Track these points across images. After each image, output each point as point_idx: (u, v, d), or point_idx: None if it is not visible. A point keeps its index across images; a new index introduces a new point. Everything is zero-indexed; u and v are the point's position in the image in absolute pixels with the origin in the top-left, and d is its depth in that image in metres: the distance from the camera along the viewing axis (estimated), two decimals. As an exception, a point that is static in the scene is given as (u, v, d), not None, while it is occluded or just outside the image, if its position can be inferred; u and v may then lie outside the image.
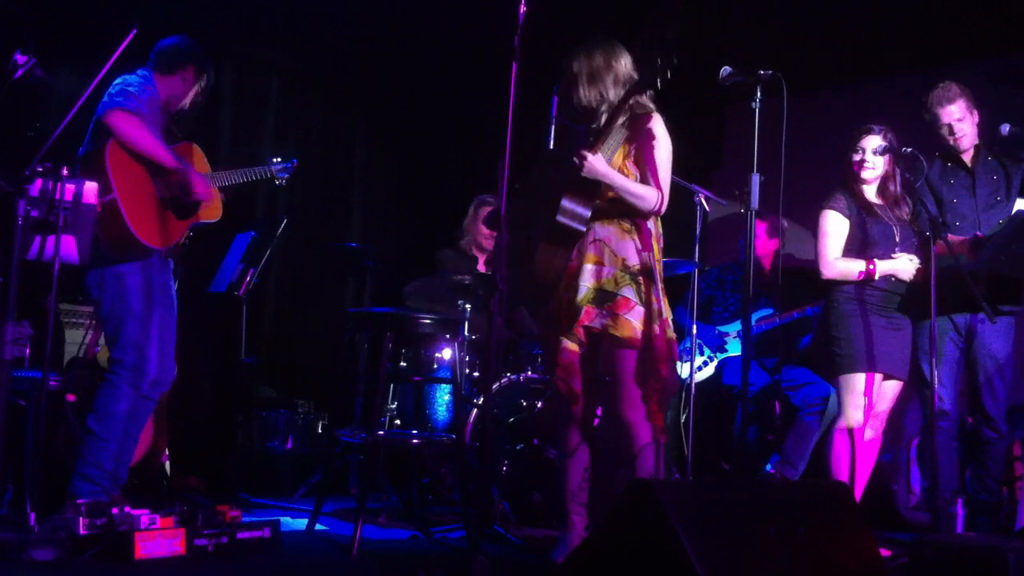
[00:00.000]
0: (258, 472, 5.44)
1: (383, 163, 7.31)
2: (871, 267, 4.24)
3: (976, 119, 4.41)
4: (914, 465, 5.00)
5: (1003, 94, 5.27)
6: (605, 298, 3.56)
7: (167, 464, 4.69)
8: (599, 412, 3.82)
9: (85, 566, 3.20)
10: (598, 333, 3.58)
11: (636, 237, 3.60)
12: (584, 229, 3.53)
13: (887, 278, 4.28)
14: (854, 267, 4.27)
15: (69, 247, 3.38)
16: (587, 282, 3.58)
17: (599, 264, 3.59)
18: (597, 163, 3.47)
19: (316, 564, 3.65)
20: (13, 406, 4.02)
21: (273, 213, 6.37)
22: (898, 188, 4.36)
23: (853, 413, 4.23)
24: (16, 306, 3.27)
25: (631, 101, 3.53)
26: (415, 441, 4.55)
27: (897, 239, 4.31)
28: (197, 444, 5.33)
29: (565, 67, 3.67)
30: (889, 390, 4.33)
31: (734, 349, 5.55)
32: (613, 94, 3.59)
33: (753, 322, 4.84)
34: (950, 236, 4.06)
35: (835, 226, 4.33)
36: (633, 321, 3.52)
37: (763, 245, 5.68)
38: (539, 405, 4.74)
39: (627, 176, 3.59)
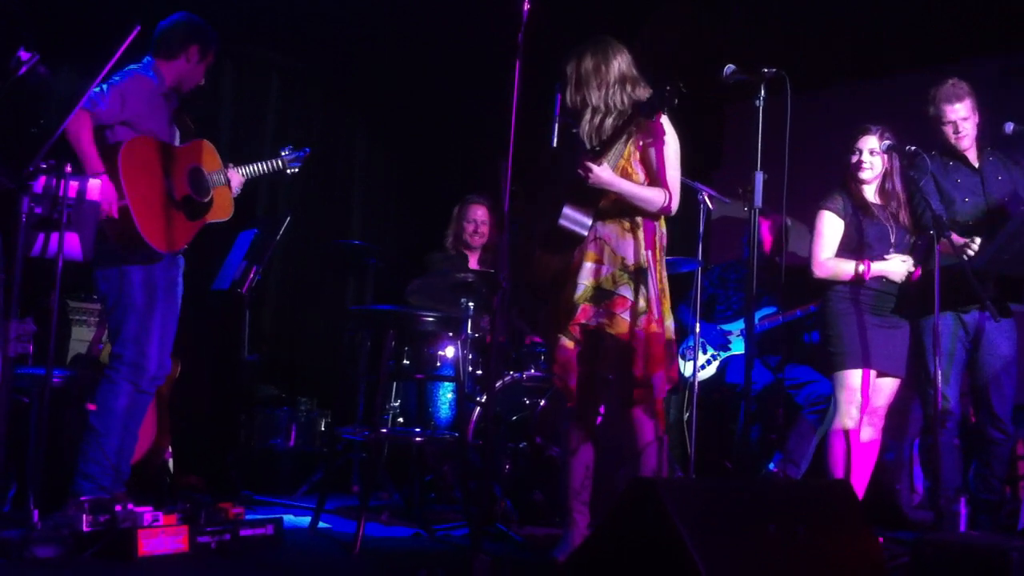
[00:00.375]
0: (260, 470, 5.44)
1: (383, 163, 7.30)
2: (863, 268, 4.26)
3: (977, 120, 4.40)
4: (916, 464, 5.01)
5: (1002, 95, 5.27)
6: (603, 296, 3.57)
7: (170, 462, 4.70)
8: (602, 411, 3.82)
9: (88, 563, 3.20)
10: (594, 330, 3.59)
11: (637, 236, 3.61)
12: (586, 234, 3.55)
13: (879, 278, 4.29)
14: (846, 268, 4.30)
15: (72, 244, 3.38)
16: (585, 280, 3.58)
17: (598, 262, 3.59)
18: (603, 173, 3.49)
19: (318, 562, 3.65)
20: (16, 403, 4.03)
21: (274, 211, 6.37)
22: (896, 187, 4.37)
23: (848, 412, 4.24)
24: (20, 303, 3.27)
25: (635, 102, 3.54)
26: (417, 439, 4.55)
27: (892, 240, 4.33)
28: (199, 442, 5.33)
29: (561, 68, 3.70)
30: (886, 387, 4.34)
31: (738, 347, 5.55)
32: (597, 96, 3.62)
33: (756, 320, 4.85)
34: (954, 236, 4.06)
35: (830, 227, 4.35)
36: (630, 320, 3.53)
37: (764, 241, 5.70)
38: (541, 403, 4.74)
39: (632, 176, 3.60)
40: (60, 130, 3.44)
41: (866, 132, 4.33)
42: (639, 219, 3.62)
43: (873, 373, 4.29)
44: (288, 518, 4.18)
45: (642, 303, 3.54)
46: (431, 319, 4.15)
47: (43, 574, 3.08)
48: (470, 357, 4.72)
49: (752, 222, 3.60)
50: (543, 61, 3.55)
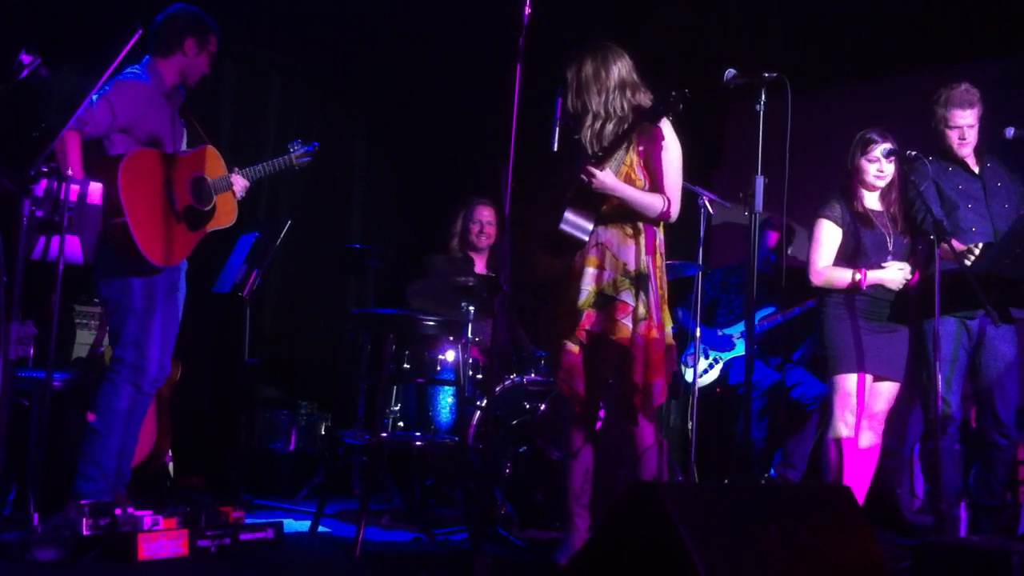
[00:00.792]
0: (261, 473, 5.43)
1: (383, 163, 7.29)
2: (859, 277, 4.25)
3: (978, 127, 4.37)
4: (917, 469, 5.00)
5: (1002, 98, 5.25)
6: (605, 302, 3.58)
7: (170, 465, 4.69)
8: (602, 414, 3.82)
9: (88, 566, 3.20)
10: (599, 335, 3.59)
11: (638, 242, 3.61)
12: (587, 239, 3.55)
13: (875, 286, 4.28)
14: (842, 276, 4.29)
15: (74, 247, 3.38)
16: (588, 286, 3.59)
17: (600, 268, 3.60)
18: (607, 178, 3.50)
19: (319, 565, 3.65)
20: (17, 406, 4.03)
21: (274, 213, 6.36)
22: (895, 192, 4.35)
23: (843, 418, 4.24)
24: (21, 305, 3.27)
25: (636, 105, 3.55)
26: (418, 443, 4.55)
27: (890, 247, 4.31)
28: (200, 444, 5.33)
29: (562, 72, 3.69)
30: (884, 391, 4.33)
31: (743, 349, 5.55)
32: (597, 102, 3.61)
33: (756, 321, 4.85)
34: (954, 242, 4.04)
35: (827, 235, 4.35)
36: (631, 325, 3.54)
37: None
38: (542, 407, 4.74)
39: (635, 182, 3.60)
40: (51, 147, 3.42)
41: (880, 140, 4.26)
42: (640, 224, 3.62)
43: (870, 377, 4.28)
44: (289, 521, 4.18)
45: (642, 309, 3.55)
46: (432, 323, 4.15)
47: (43, 577, 3.08)
48: (470, 361, 4.72)
49: (752, 226, 3.60)
50: (543, 62, 3.55)
